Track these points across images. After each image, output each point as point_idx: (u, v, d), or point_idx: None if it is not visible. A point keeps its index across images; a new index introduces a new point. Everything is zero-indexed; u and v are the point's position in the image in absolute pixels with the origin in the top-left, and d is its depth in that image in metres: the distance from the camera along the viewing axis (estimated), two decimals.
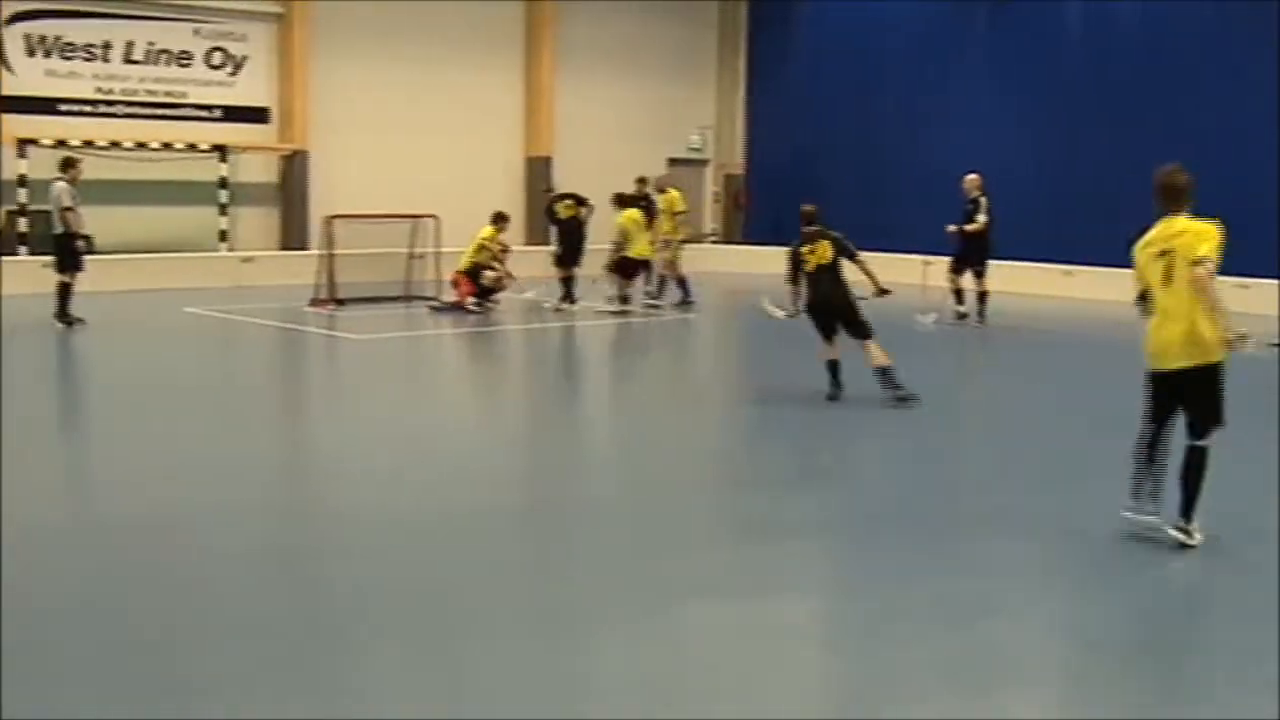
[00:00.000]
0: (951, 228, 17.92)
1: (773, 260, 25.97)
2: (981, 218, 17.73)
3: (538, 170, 27.03)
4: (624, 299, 18.96)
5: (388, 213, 20.32)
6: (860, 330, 11.88)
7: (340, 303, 18.82)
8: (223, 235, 23.46)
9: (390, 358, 15.55)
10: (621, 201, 19.35)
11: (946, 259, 18.46)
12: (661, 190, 20.64)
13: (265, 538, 7.51)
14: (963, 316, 17.83)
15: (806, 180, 27.69)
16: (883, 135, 26.35)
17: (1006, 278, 19.51)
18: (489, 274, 18.84)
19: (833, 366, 11.94)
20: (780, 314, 12.45)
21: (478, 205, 20.65)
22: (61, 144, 21.11)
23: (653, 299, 19.73)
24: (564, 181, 26.09)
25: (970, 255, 17.87)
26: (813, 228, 12.20)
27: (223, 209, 23.46)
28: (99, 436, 10.72)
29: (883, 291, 12.15)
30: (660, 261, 19.82)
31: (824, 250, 11.96)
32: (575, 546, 7.53)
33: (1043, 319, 19.13)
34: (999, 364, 15.93)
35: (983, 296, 17.86)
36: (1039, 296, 21.31)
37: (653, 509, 8.32)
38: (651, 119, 28.86)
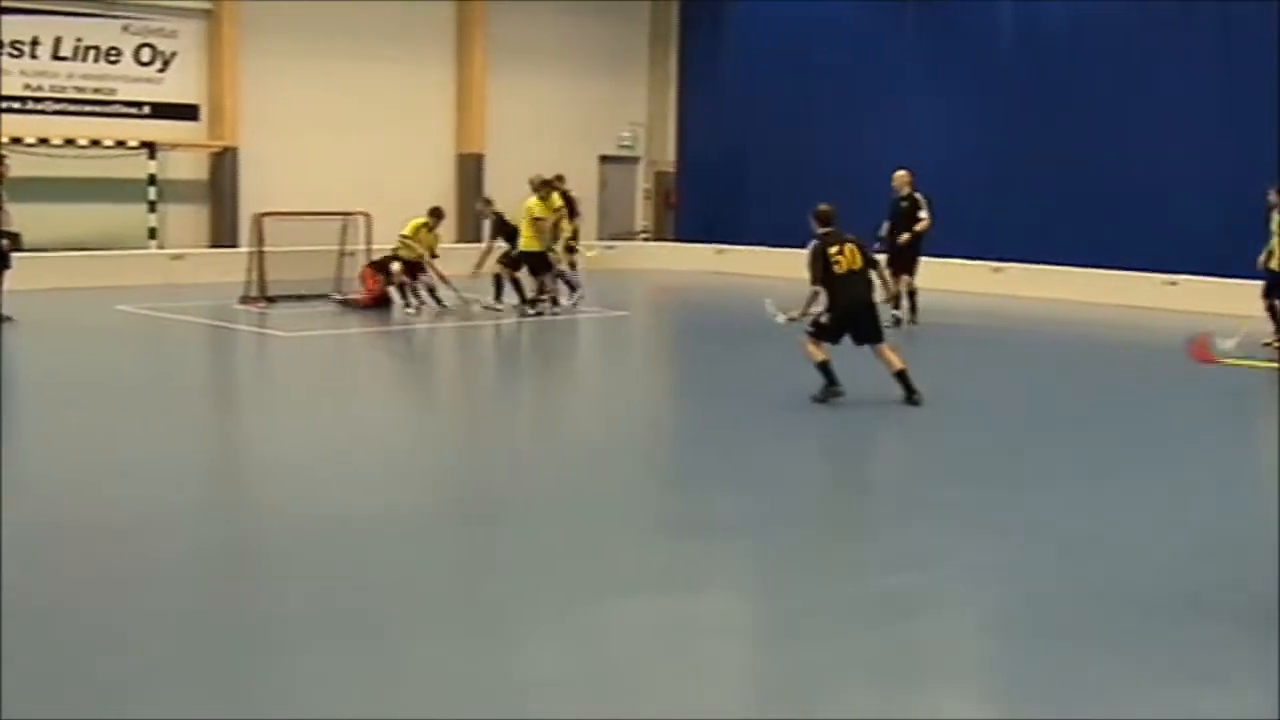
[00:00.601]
0: (888, 232, 17.37)
1: (700, 257, 26.69)
2: (924, 215, 17.38)
3: (469, 167, 27.15)
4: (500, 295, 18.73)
5: (318, 210, 20.35)
6: (879, 334, 11.81)
7: (271, 300, 18.88)
8: (152, 233, 23.39)
9: (320, 355, 15.64)
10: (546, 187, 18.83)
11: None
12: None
13: (196, 536, 7.62)
14: (899, 322, 17.04)
15: (737, 178, 28.07)
16: (814, 134, 26.60)
17: (936, 274, 19.84)
18: (395, 266, 18.72)
19: (828, 367, 11.65)
20: (783, 318, 12.09)
21: (409, 202, 20.71)
22: None
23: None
24: (495, 178, 26.24)
25: (907, 256, 17.45)
26: (831, 229, 11.85)
27: (152, 206, 23.39)
28: (28, 435, 10.75)
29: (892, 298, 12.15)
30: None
31: (853, 253, 11.73)
32: (504, 544, 7.70)
33: (975, 315, 19.41)
34: (941, 360, 16.17)
35: (913, 295, 17.58)
36: (968, 293, 21.71)
37: (583, 507, 8.52)
38: (583, 116, 29.01)
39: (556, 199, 19.08)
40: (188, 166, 24.44)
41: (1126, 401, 12.83)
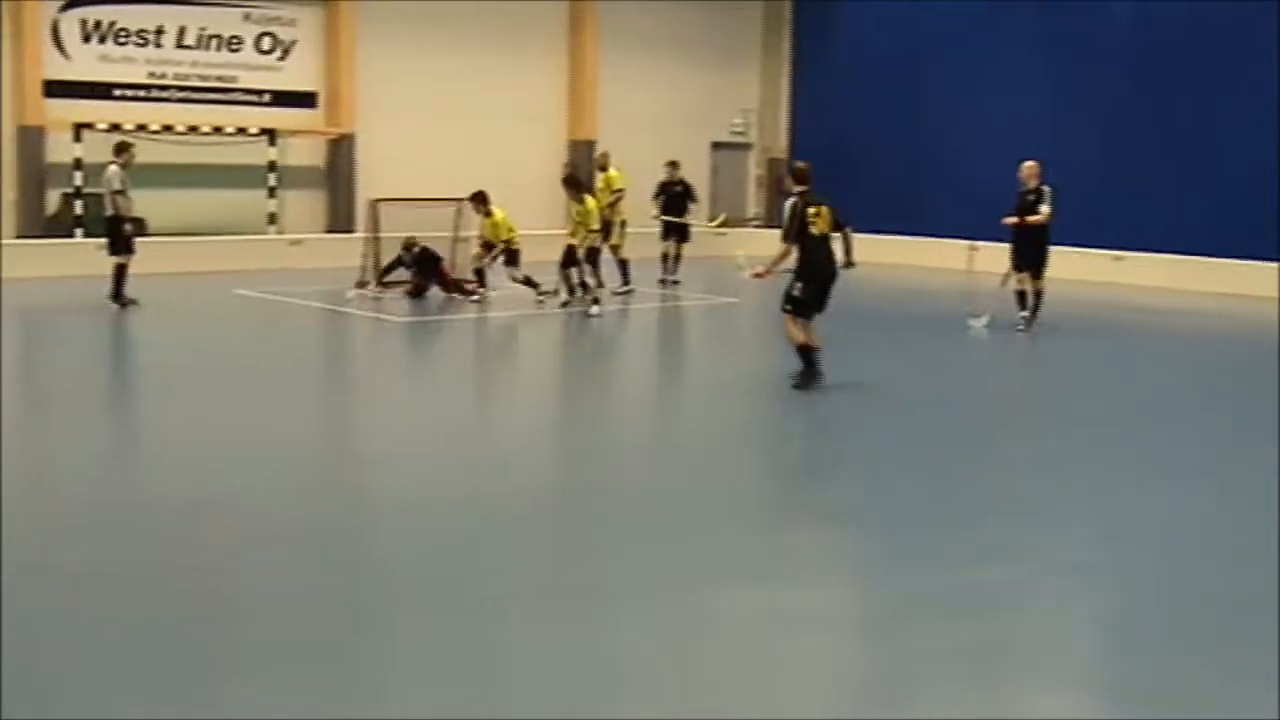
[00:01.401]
0: (1011, 220, 16.45)
1: None
2: (1045, 209, 16.26)
3: (580, 154, 27.24)
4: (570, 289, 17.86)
5: (432, 196, 20.57)
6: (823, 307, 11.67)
7: (385, 285, 19.13)
8: (271, 218, 23.84)
9: (432, 341, 15.84)
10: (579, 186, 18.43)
11: (992, 245, 18.18)
12: (603, 169, 20.35)
13: (304, 519, 7.80)
14: (1027, 323, 16.05)
15: (849, 164, 27.77)
16: (925, 122, 26.36)
17: (1056, 264, 19.49)
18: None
19: (810, 352, 11.44)
20: (748, 272, 12.12)
21: (522, 188, 20.90)
22: (115, 128, 21.50)
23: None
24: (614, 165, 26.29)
25: (1030, 249, 16.31)
26: (807, 188, 11.52)
27: (271, 192, 23.84)
28: (149, 417, 11.05)
29: (850, 264, 11.90)
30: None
31: (827, 215, 11.51)
32: (605, 529, 7.76)
33: (1096, 305, 19.04)
34: (1057, 352, 15.87)
35: (1038, 296, 16.35)
36: (1090, 283, 21.35)
37: (683, 494, 8.54)
38: (695, 103, 28.99)
39: (615, 177, 19.69)
40: (306, 153, 24.86)
41: (1240, 396, 12.54)
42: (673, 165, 21.14)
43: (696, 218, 21.70)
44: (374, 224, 19.63)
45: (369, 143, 24.78)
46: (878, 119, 27.32)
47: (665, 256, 21.04)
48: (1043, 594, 6.60)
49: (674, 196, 21.10)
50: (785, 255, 11.53)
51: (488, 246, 18.49)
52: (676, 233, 21.03)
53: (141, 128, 22.25)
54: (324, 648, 5.69)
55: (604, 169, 20.20)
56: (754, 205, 30.82)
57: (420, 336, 16.23)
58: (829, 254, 11.52)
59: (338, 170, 24.94)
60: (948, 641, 5.85)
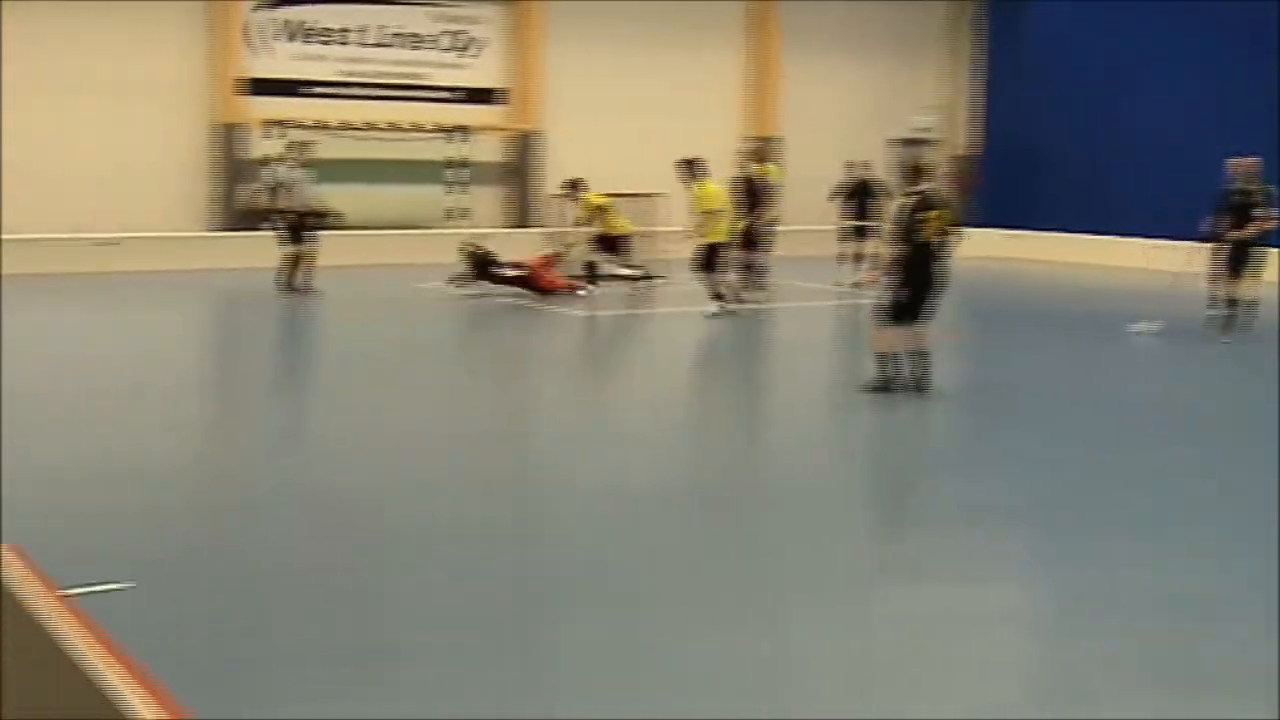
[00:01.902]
0: (1226, 226, 15.21)
1: (994, 243, 25.88)
2: (1269, 212, 15.17)
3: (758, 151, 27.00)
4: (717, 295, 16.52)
5: (616, 191, 20.57)
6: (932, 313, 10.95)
7: (571, 279, 19.17)
8: (459, 213, 24.14)
9: (615, 334, 15.81)
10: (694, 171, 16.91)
11: (1176, 244, 17.38)
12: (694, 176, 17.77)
13: (478, 510, 7.76)
14: (1229, 323, 15.18)
15: (1037, 162, 27.14)
16: (1118, 118, 25.53)
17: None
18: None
19: (891, 361, 10.72)
20: (855, 282, 11.72)
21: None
22: (307, 125, 22.00)
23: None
24: (788, 162, 26.05)
25: (1241, 256, 15.22)
26: (924, 187, 10.75)
27: (459, 187, 24.13)
28: (325, 405, 11.19)
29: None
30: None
31: (943, 219, 10.74)
32: (777, 526, 7.59)
33: None
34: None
35: (1236, 301, 15.34)
36: None
37: (854, 491, 8.33)
38: (876, 99, 28.56)
39: (711, 194, 16.94)
40: (492, 149, 25.10)
41: None
42: (851, 165, 20.48)
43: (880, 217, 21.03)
44: (559, 219, 19.71)
45: (554, 138, 24.92)
46: (1068, 114, 26.57)
47: (851, 257, 19.98)
48: (1228, 601, 6.22)
49: (855, 196, 20.39)
50: (893, 259, 10.78)
51: (602, 241, 18.28)
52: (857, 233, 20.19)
53: (332, 124, 22.70)
54: (501, 638, 5.60)
55: (696, 177, 17.06)
56: None
57: (603, 328, 16.20)
58: (938, 260, 10.73)
59: (523, 166, 25.14)
60: (1131, 646, 5.60)
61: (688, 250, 17.00)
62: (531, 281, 18.32)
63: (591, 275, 18.41)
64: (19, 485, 7.57)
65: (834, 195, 20.69)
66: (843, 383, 12.09)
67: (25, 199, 20.38)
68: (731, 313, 16.23)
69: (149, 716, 3.01)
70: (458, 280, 18.38)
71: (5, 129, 20.30)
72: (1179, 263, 17.36)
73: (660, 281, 18.50)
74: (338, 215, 18.98)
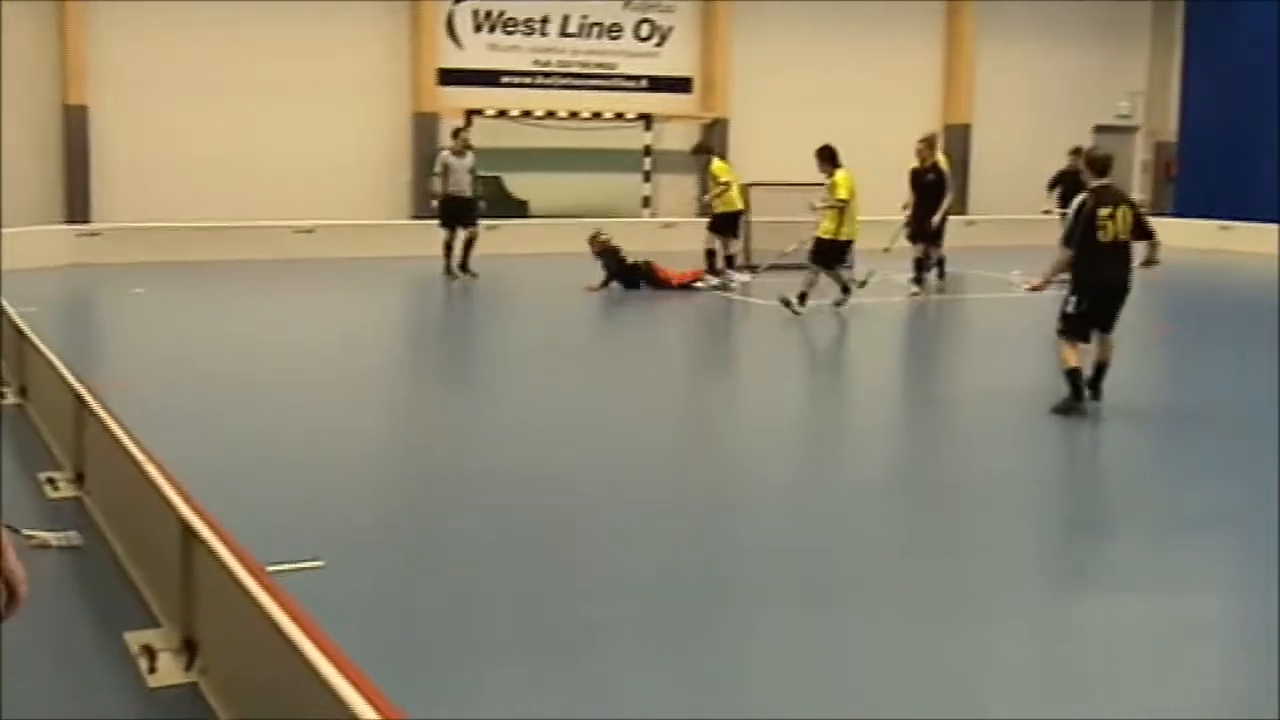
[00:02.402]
0: None
1: (1201, 234, 25.01)
2: None
3: (955, 138, 26.62)
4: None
5: (804, 181, 20.50)
6: (1113, 323, 9.92)
7: (754, 269, 19.21)
8: (646, 201, 24.36)
9: (801, 325, 15.77)
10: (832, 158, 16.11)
11: None
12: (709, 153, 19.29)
13: (652, 492, 7.89)
14: None
15: (1246, 150, 26.17)
16: None
17: None
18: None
19: (1078, 377, 9.74)
20: (1025, 286, 10.71)
21: (891, 176, 20.54)
22: (502, 114, 22.50)
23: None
24: (982, 151, 25.65)
25: None
26: (1107, 182, 9.75)
27: (646, 176, 24.36)
28: (494, 391, 11.45)
29: (1153, 261, 10.14)
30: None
31: (1126, 218, 9.67)
32: (971, 527, 7.50)
33: None
34: None
35: None
36: None
37: (1043, 495, 8.19)
38: (1076, 85, 27.87)
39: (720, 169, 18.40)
40: (680, 137, 25.25)
41: None
42: (926, 144, 17.93)
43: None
44: (746, 207, 19.75)
45: (742, 127, 24.97)
46: (1274, 104, 25.53)
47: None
48: None
49: (926, 186, 17.75)
50: (1066, 264, 9.76)
51: (717, 221, 18.26)
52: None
53: (527, 113, 23.15)
54: (689, 622, 5.68)
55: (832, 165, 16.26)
56: (1139, 191, 29.37)
57: (791, 321, 16.18)
58: (1125, 264, 9.73)
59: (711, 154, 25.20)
60: None
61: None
62: (657, 278, 18.06)
63: (710, 266, 18.22)
64: (224, 463, 7.98)
65: (1052, 185, 19.45)
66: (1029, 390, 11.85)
67: (240, 191, 21.38)
68: (839, 305, 15.72)
69: (345, 687, 3.19)
70: (599, 287, 17.92)
71: (228, 127, 21.37)
72: None
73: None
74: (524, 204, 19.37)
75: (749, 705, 4.93)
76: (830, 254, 15.79)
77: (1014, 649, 5.56)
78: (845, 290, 15.78)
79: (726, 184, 18.28)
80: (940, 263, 18.30)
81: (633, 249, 21.95)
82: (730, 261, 18.44)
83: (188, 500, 4.90)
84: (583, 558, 6.60)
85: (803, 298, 15.34)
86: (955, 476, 8.73)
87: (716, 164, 18.59)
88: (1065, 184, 18.32)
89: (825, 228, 15.65)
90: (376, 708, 3.06)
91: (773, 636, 5.57)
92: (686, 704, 4.89)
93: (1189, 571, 6.68)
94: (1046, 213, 18.93)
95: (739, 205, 18.53)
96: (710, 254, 18.35)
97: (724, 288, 17.82)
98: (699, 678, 5.14)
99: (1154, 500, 8.05)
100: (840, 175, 15.70)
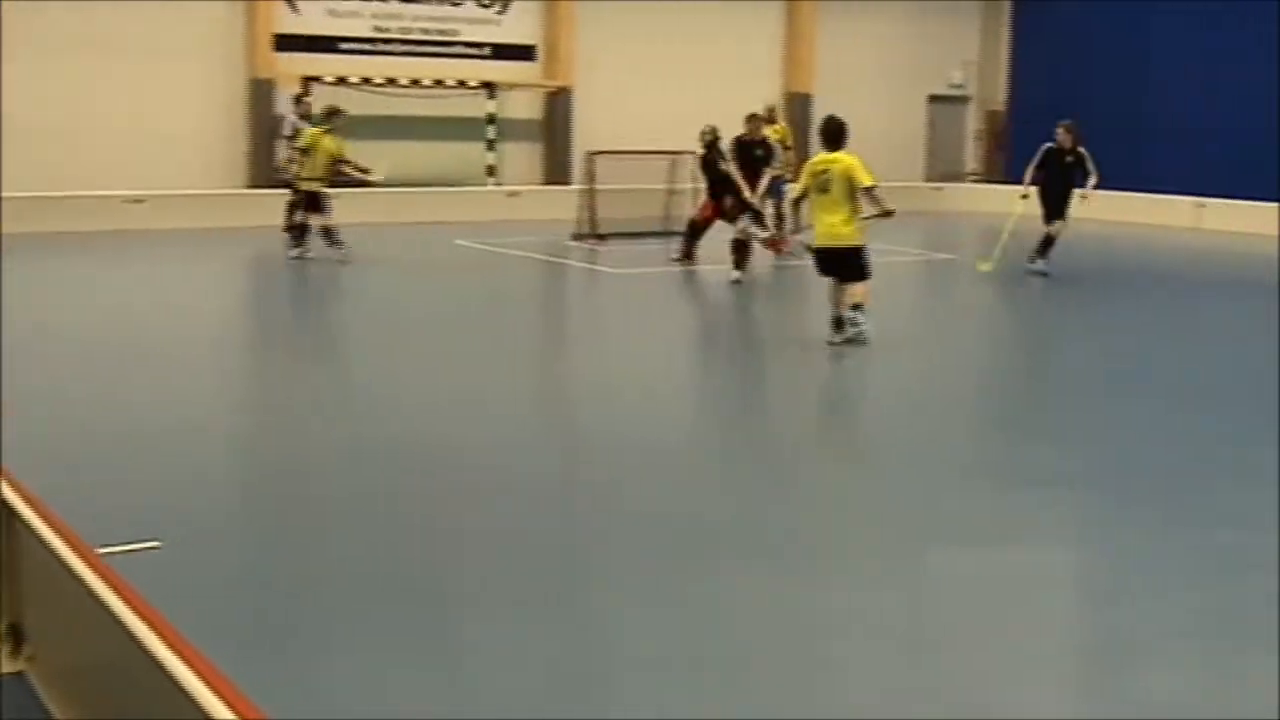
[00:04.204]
0: None
1: (1032, 200, 25.55)
2: None
3: (796, 107, 26.87)
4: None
5: (647, 149, 20.57)
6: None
7: (601, 237, 19.21)
8: (490, 170, 24.16)
9: (645, 293, 15.81)
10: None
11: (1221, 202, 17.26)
12: (771, 121, 18.67)
13: (518, 460, 7.84)
14: None
15: (1072, 117, 26.84)
16: (1156, 72, 25.28)
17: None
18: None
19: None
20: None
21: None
22: (341, 81, 22.06)
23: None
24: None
25: None
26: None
27: (490, 144, 24.15)
28: (370, 363, 11.27)
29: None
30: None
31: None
32: (828, 485, 7.63)
33: None
34: None
35: None
36: None
37: (908, 453, 8.34)
38: (912, 56, 28.35)
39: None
40: (524, 106, 25.08)
41: None
42: (758, 117, 17.15)
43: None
44: (590, 177, 19.73)
45: (586, 96, 24.88)
46: (1104, 69, 26.31)
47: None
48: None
49: (754, 160, 16.38)
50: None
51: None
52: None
53: (366, 80, 22.74)
54: (552, 589, 5.71)
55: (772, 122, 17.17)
56: (971, 160, 30.05)
57: (638, 287, 16.20)
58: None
59: (555, 123, 25.12)
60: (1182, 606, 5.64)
61: None
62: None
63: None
64: (56, 443, 7.70)
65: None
66: None
67: (67, 159, 20.60)
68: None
69: (182, 671, 3.08)
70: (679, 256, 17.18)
71: (54, 91, 20.56)
72: (1215, 221, 17.39)
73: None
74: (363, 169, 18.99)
75: (608, 675, 4.94)
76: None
77: (869, 605, 5.64)
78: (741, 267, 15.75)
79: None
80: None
81: (479, 218, 21.85)
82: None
83: (9, 479, 4.69)
84: (442, 529, 6.54)
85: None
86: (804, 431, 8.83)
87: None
88: (743, 151, 16.41)
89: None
90: (218, 693, 2.96)
91: (639, 595, 5.62)
92: (547, 671, 4.89)
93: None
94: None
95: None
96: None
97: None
98: (561, 645, 5.14)
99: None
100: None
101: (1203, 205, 22.10)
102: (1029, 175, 16.83)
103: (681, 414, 9.38)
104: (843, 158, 11.11)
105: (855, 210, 11.13)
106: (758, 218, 16.37)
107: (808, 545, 6.46)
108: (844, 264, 11.30)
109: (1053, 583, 6.06)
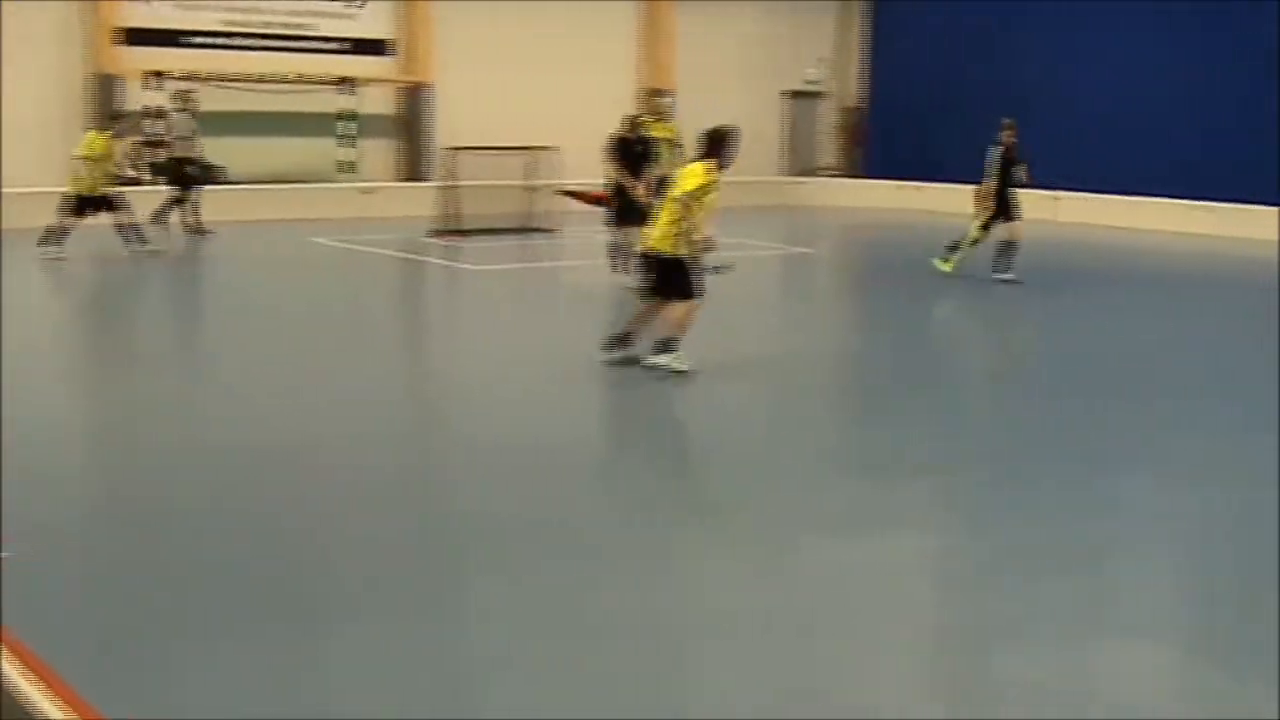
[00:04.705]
0: None
1: (887, 194, 26.10)
2: None
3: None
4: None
5: (507, 145, 20.43)
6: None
7: (461, 234, 19.03)
8: (348, 166, 23.78)
9: (507, 288, 15.70)
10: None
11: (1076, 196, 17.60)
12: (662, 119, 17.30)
13: (377, 459, 7.74)
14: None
15: (928, 113, 27.36)
16: (1012, 68, 25.82)
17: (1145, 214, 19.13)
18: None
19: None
20: None
21: (594, 139, 20.66)
22: (190, 76, 21.51)
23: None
24: (683, 117, 25.99)
25: None
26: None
27: (348, 141, 23.77)
28: (225, 363, 10.99)
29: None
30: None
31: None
32: (687, 480, 7.65)
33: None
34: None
35: None
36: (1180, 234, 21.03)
37: (767, 444, 8.38)
38: (770, 51, 28.59)
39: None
40: (381, 102, 24.73)
41: None
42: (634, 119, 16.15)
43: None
44: (449, 173, 19.53)
45: (444, 91, 24.60)
46: (958, 64, 26.84)
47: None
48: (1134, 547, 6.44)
49: (635, 157, 15.38)
50: None
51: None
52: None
53: (217, 76, 22.22)
54: (407, 591, 5.61)
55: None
56: (828, 155, 30.42)
57: (498, 283, 16.07)
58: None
59: (413, 119, 24.81)
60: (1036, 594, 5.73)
61: None
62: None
63: None
64: None
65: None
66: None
67: None
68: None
69: (24, 684, 2.94)
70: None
71: None
72: (1070, 214, 17.81)
73: None
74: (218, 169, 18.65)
75: (470, 675, 4.87)
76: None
77: (732, 595, 5.63)
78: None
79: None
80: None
81: (336, 215, 21.49)
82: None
83: None
84: (289, 530, 6.39)
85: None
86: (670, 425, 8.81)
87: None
88: (623, 149, 15.37)
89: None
90: (65, 702, 2.82)
91: (488, 599, 5.53)
92: (409, 674, 4.78)
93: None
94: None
95: None
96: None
97: None
98: (420, 647, 5.03)
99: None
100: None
101: (1057, 199, 22.63)
102: (993, 181, 16.14)
103: (533, 413, 9.26)
104: (693, 167, 10.05)
105: (679, 220, 9.84)
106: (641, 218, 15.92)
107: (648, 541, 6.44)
108: (664, 276, 10.08)
109: (907, 571, 6.13)
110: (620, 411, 9.59)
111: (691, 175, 9.94)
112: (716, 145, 10.02)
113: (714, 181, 9.93)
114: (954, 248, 15.99)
